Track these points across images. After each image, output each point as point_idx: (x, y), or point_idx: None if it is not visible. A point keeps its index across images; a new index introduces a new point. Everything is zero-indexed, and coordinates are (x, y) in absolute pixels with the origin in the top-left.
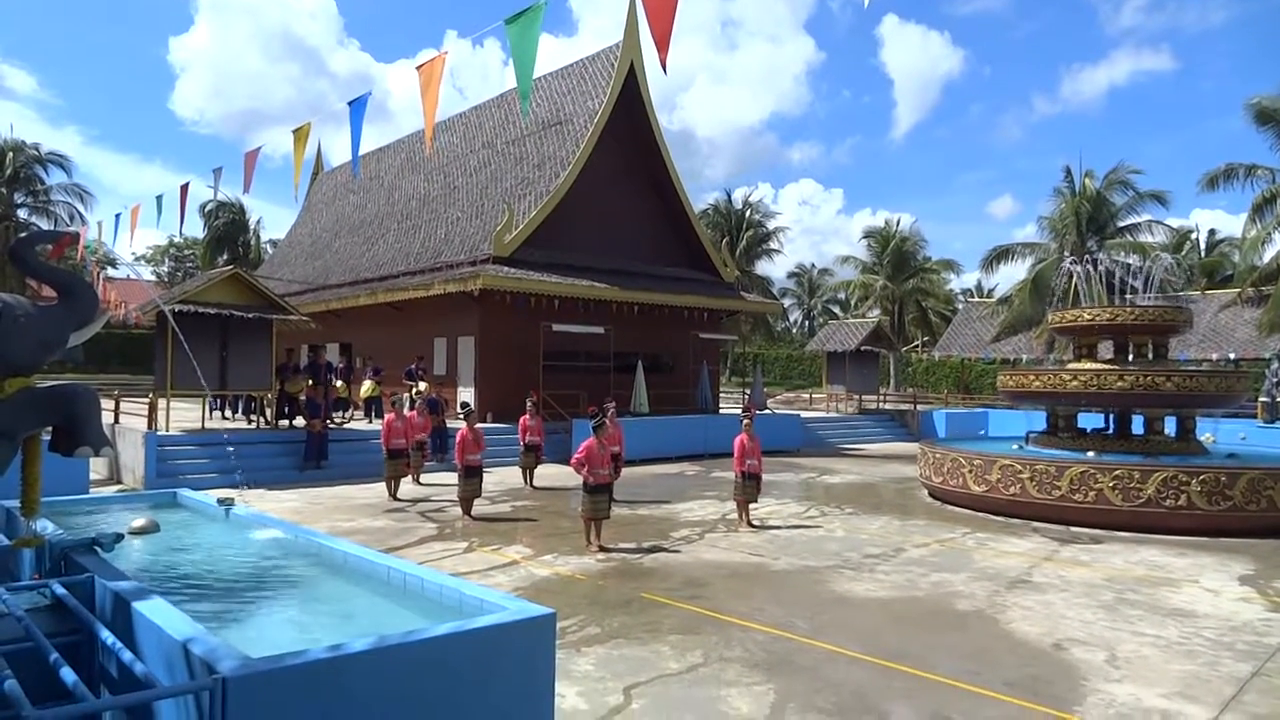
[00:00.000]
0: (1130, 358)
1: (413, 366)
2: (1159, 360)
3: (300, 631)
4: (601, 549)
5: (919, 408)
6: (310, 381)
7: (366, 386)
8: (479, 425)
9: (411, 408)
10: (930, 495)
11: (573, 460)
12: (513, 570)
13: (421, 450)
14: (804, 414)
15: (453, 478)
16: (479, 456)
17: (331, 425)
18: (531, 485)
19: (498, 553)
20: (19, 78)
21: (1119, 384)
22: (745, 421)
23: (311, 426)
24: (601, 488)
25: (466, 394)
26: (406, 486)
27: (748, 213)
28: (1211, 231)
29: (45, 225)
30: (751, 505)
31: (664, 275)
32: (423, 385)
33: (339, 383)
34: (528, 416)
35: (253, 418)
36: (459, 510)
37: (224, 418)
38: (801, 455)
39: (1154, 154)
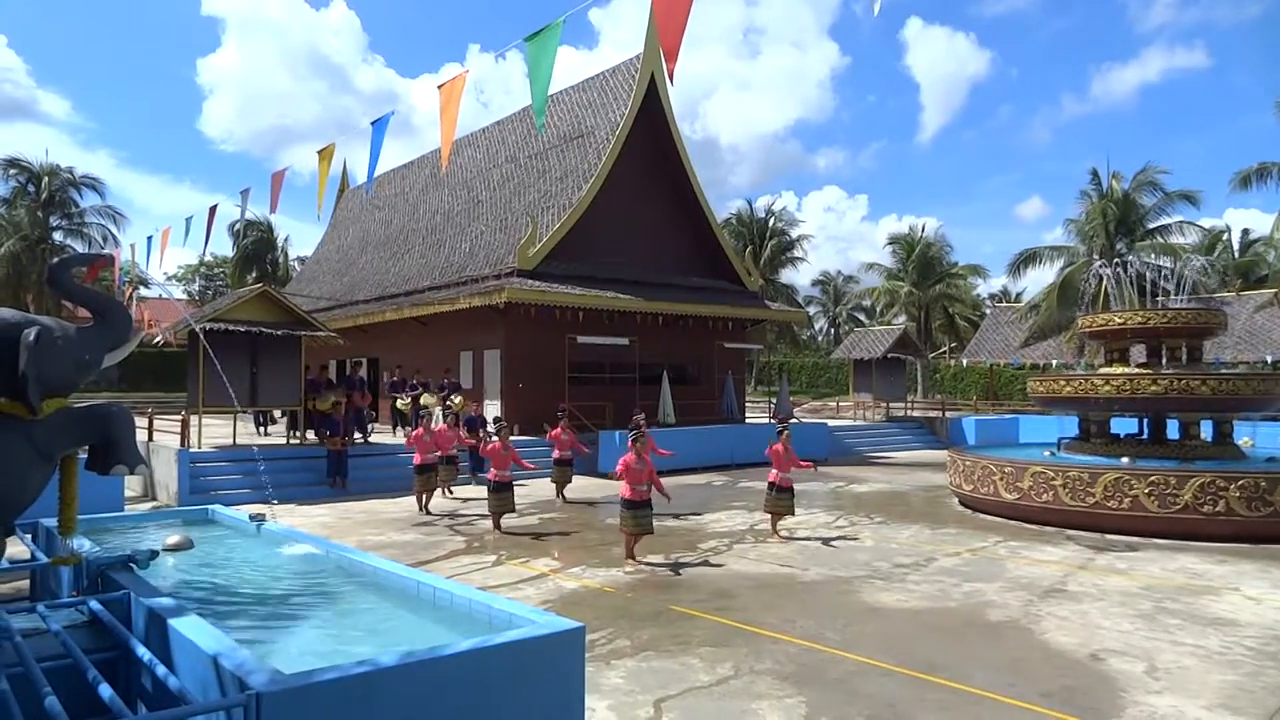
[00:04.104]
0: (1164, 361)
1: (445, 381)
2: (1193, 363)
3: (332, 646)
4: (633, 561)
5: (948, 415)
6: (345, 399)
7: (430, 399)
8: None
9: (444, 421)
10: (961, 503)
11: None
12: (541, 583)
13: (453, 464)
14: (831, 422)
15: (482, 492)
16: (509, 471)
17: (357, 442)
18: (563, 499)
19: (526, 565)
20: (53, 102)
21: (1153, 388)
22: (784, 433)
23: (332, 444)
24: (643, 503)
25: (493, 407)
26: (436, 500)
27: (771, 221)
28: (1245, 231)
29: (80, 248)
30: (789, 517)
31: (688, 285)
32: (457, 399)
33: (405, 399)
34: (559, 430)
35: (295, 432)
36: (488, 524)
37: (265, 434)
38: (829, 464)
39: (1188, 152)
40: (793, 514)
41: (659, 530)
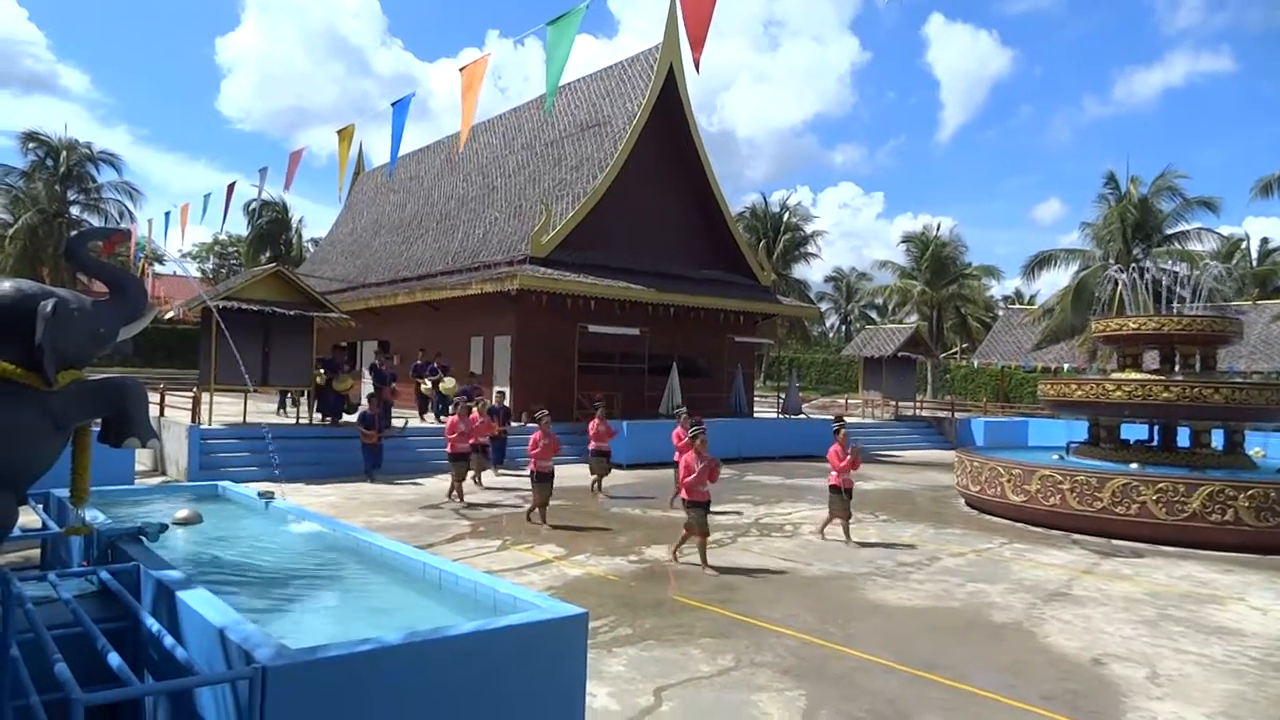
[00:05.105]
0: (1176, 368)
1: (467, 385)
2: (1206, 372)
3: (336, 623)
4: (712, 569)
5: (957, 415)
6: (373, 392)
7: (451, 384)
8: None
9: (471, 411)
10: (967, 504)
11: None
12: (545, 569)
13: (484, 452)
14: None
15: (501, 480)
16: (550, 461)
17: (389, 432)
18: (600, 491)
19: (531, 551)
20: (73, 77)
21: (1165, 395)
22: (840, 431)
23: (367, 439)
24: (706, 503)
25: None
26: (467, 486)
27: (785, 216)
28: (1264, 240)
29: (97, 222)
30: (838, 518)
31: (700, 278)
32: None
33: (427, 384)
34: (597, 420)
35: (324, 418)
36: (494, 511)
37: (282, 414)
38: None
39: (1210, 158)
40: (850, 515)
41: (664, 521)
